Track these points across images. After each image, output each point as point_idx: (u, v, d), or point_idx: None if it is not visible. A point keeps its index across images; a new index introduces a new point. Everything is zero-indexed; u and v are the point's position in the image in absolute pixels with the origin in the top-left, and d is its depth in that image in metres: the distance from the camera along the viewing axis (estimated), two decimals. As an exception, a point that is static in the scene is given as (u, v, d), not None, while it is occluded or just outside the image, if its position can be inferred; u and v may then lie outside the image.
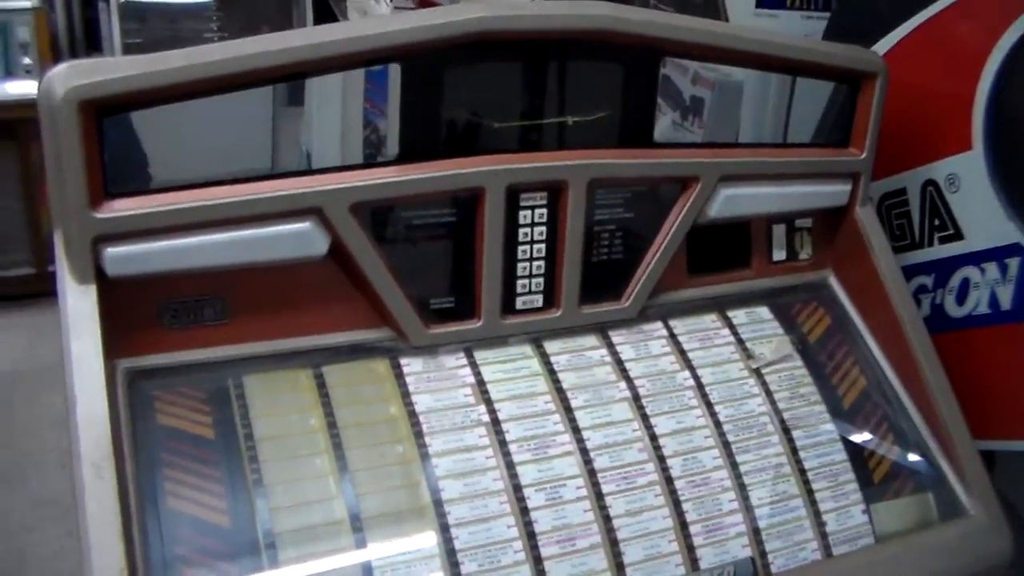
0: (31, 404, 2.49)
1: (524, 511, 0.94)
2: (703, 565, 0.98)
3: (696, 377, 1.07)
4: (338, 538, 0.89)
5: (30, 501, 2.20)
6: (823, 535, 1.04)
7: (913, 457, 1.12)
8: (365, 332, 1.00)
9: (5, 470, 2.26)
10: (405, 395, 0.97)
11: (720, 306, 1.15)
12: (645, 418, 1.03)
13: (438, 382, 0.99)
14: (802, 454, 1.07)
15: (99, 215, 0.87)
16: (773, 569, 1.01)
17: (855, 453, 1.09)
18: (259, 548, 0.87)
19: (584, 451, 0.99)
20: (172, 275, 0.91)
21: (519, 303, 1.03)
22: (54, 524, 2.15)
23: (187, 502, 0.88)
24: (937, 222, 1.31)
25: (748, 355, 1.11)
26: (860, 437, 1.11)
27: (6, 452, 2.33)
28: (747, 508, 1.02)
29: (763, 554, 1.00)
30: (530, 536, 0.93)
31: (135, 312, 0.92)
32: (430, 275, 1.00)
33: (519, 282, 1.02)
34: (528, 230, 1.01)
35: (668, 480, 1.00)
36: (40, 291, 2.84)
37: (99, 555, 0.81)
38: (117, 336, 0.90)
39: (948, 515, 1.09)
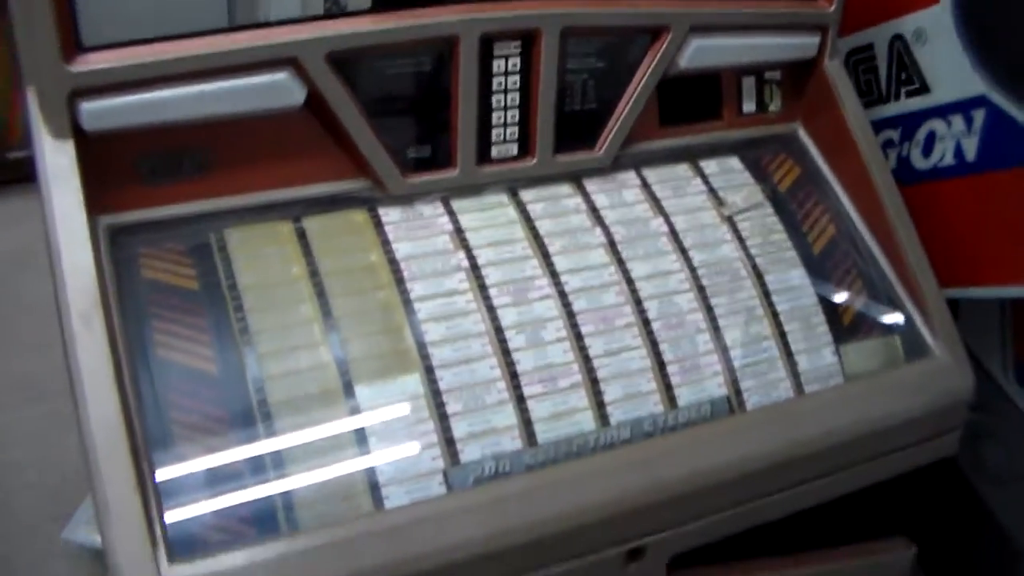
0: (6, 287, 2.48)
1: (506, 352, 0.96)
2: (681, 403, 1.01)
3: (670, 224, 1.09)
4: (325, 381, 0.91)
5: (8, 383, 2.21)
6: (795, 374, 1.07)
7: (881, 301, 1.15)
8: (343, 183, 1.01)
9: (-23, 354, 2.26)
10: (385, 243, 0.98)
11: (691, 156, 1.16)
12: (621, 263, 1.05)
13: (417, 230, 1.00)
14: (774, 298, 1.09)
15: (74, 69, 0.87)
16: (748, 407, 1.03)
17: (825, 297, 1.12)
18: (248, 393, 0.89)
19: (562, 294, 1.01)
20: (150, 129, 0.91)
21: (494, 152, 1.04)
22: (34, 404, 2.16)
23: (175, 351, 0.89)
24: (904, 76, 1.32)
25: (720, 203, 1.13)
26: (830, 282, 1.14)
27: (-24, 337, 2.32)
28: (722, 349, 1.05)
29: (738, 392, 1.03)
30: (512, 376, 0.95)
31: (114, 168, 0.92)
32: (407, 125, 1.01)
33: (494, 131, 1.03)
34: (502, 79, 1.02)
35: (645, 322, 1.02)
36: (14, 177, 2.80)
37: (94, 404, 0.82)
38: (97, 193, 0.90)
39: (914, 356, 1.12)
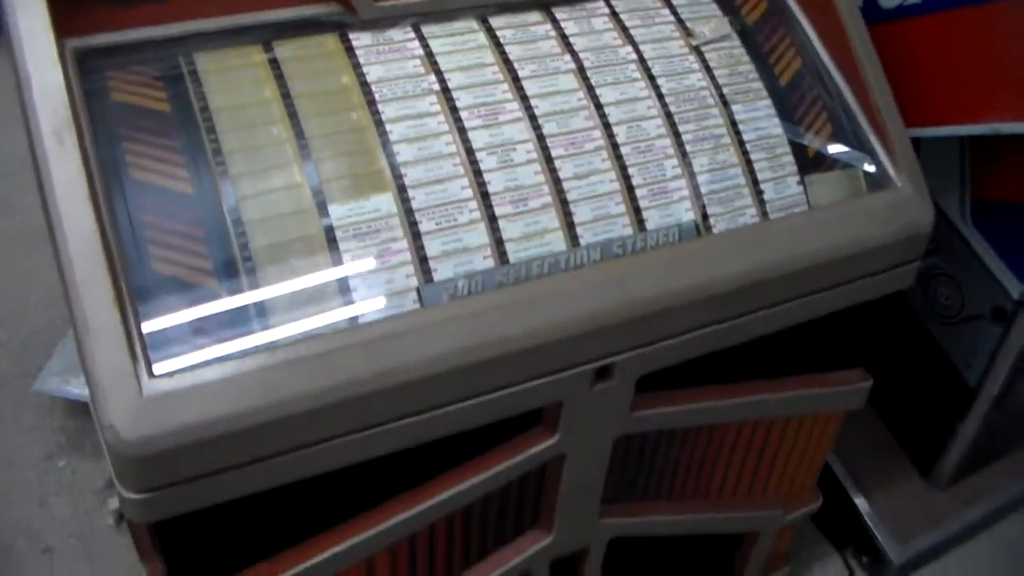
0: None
1: (477, 173, 0.97)
2: (649, 226, 1.03)
3: (638, 52, 1.10)
4: (299, 200, 0.92)
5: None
6: (761, 202, 1.09)
7: (846, 134, 1.17)
8: (314, 7, 1.00)
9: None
10: (356, 67, 0.98)
11: (661, -14, 1.16)
12: (590, 88, 1.05)
13: (388, 54, 1.00)
14: (741, 127, 1.11)
15: None
16: (715, 232, 1.05)
17: (791, 128, 1.13)
18: (223, 213, 0.90)
19: (532, 117, 1.01)
20: None
21: (464, -26, 1.03)
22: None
23: (149, 172, 0.90)
24: (870, -86, 1.32)
25: (688, 33, 1.13)
26: (796, 114, 1.15)
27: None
28: (690, 175, 1.06)
29: (705, 217, 1.06)
30: (484, 196, 0.97)
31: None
32: (375, -55, 0.99)
33: (463, -47, 1.02)
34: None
35: (614, 146, 1.03)
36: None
37: (70, 222, 0.83)
38: (63, 15, 0.89)
39: (876, 189, 1.14)
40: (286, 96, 0.94)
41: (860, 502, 1.72)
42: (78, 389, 1.76)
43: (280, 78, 0.95)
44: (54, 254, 0.85)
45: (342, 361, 0.86)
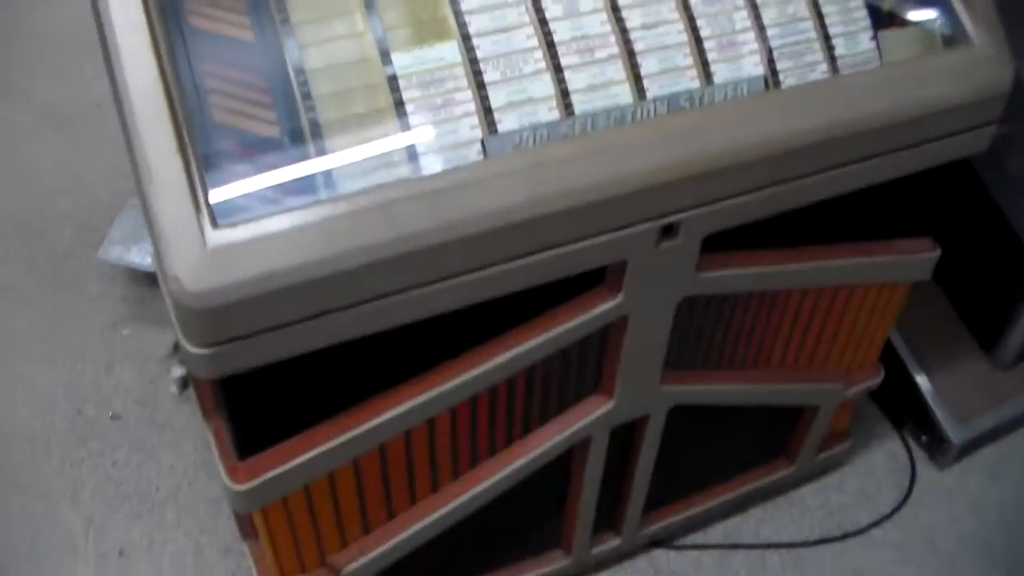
0: (17, 23, 2.46)
1: (543, 22, 0.94)
2: (717, 80, 1.00)
3: (708, -97, 1.05)
4: (362, 49, 0.90)
5: (31, 110, 2.21)
6: (832, 58, 1.05)
7: (921, -11, 1.12)
8: None
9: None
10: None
11: None
12: (659, -64, 1.01)
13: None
14: (812, -22, 1.06)
15: None
16: (784, 87, 1.02)
17: (864, -19, 1.09)
18: (285, 62, 0.88)
19: (600, -35, 0.98)
20: None
21: None
22: (60, 132, 2.17)
23: (210, 20, 0.88)
24: None
25: None
26: (870, -34, 1.10)
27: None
28: (759, 28, 1.03)
29: (774, 72, 1.02)
30: (550, 46, 0.94)
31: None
32: None
33: None
34: None
35: (683, -1, 1.00)
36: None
37: (132, 72, 0.82)
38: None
39: (953, 45, 1.10)
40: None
41: (921, 380, 1.70)
42: (139, 258, 1.77)
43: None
44: (117, 107, 0.84)
45: (405, 212, 0.85)
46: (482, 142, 0.90)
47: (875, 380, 1.48)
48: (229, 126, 0.86)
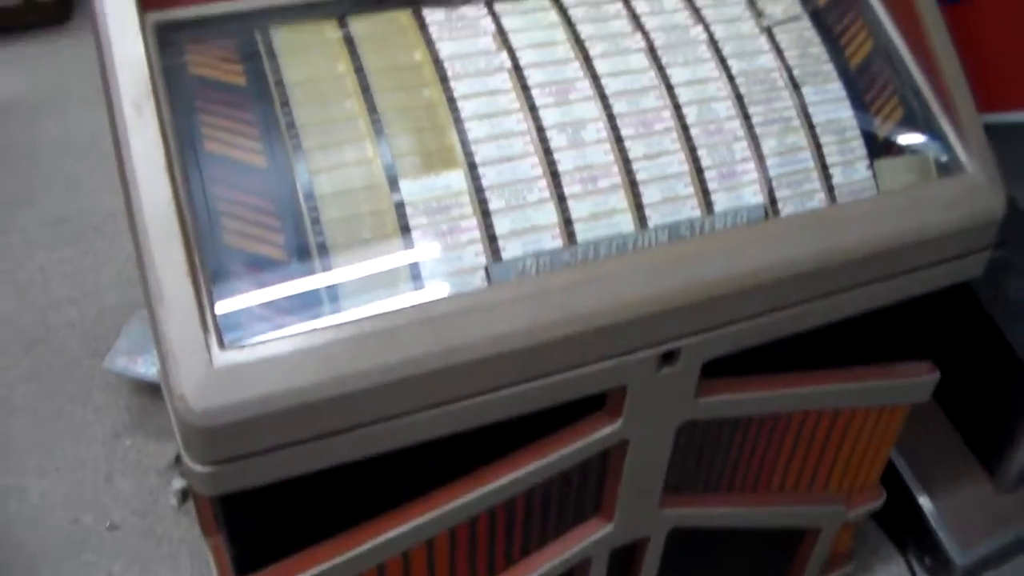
0: (31, 131, 2.50)
1: (547, 151, 0.97)
2: (717, 209, 1.02)
3: (709, 32, 1.09)
4: (371, 176, 0.92)
5: (43, 220, 2.24)
6: (829, 187, 1.08)
7: (916, 118, 1.15)
8: (387, -18, 1.00)
9: (14, 192, 2.29)
10: (429, 43, 0.98)
11: (731, -33, 1.15)
12: (661, 68, 1.05)
13: (460, 30, 1.00)
14: (810, 109, 1.09)
15: None
16: (783, 215, 1.04)
17: (861, 111, 1.12)
18: (295, 187, 0.90)
19: (603, 96, 1.01)
20: None
21: (539, -47, 1.03)
22: (70, 243, 2.19)
23: (224, 145, 0.90)
24: None
25: (759, 14, 1.12)
26: (866, 96, 1.14)
27: (11, 177, 2.35)
28: (759, 157, 1.05)
29: (773, 201, 1.04)
30: (554, 176, 0.96)
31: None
32: (449, -76, 0.99)
33: (537, -70, 1.02)
34: None
35: (684, 127, 1.03)
36: (29, 22, 2.80)
37: (147, 192, 0.83)
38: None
39: (947, 174, 1.12)
40: (359, 71, 0.95)
41: (924, 501, 1.69)
42: (144, 368, 1.78)
43: (354, 53, 0.96)
44: (130, 225, 0.86)
45: (409, 337, 0.86)
46: (486, 269, 0.92)
47: (877, 502, 1.48)
48: (239, 248, 0.87)
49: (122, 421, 1.86)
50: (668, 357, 1.00)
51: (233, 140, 0.90)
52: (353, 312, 0.88)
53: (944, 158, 1.14)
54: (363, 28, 0.97)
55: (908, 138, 1.15)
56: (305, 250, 0.88)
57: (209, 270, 0.84)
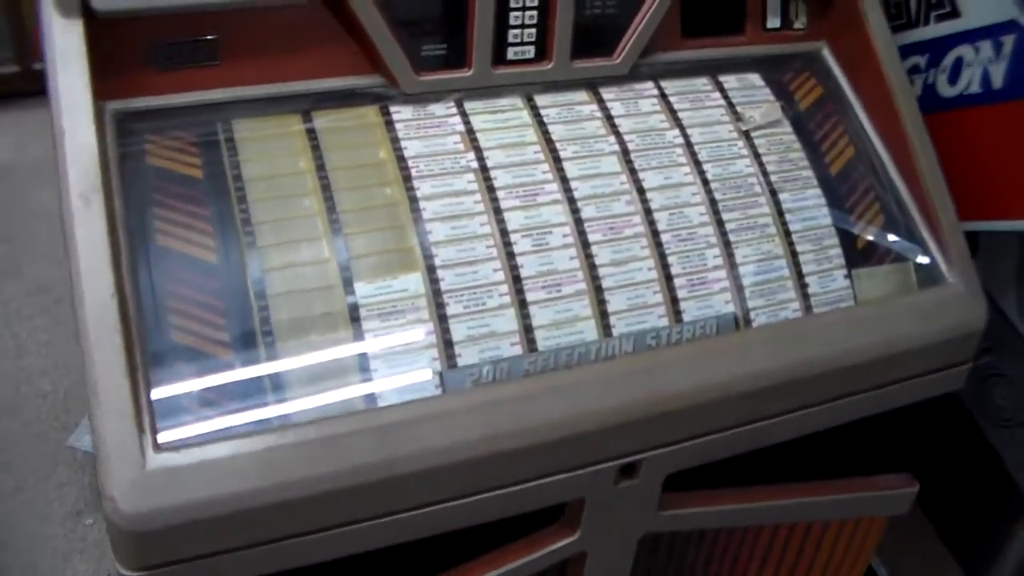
0: (21, 199, 2.49)
1: (510, 256, 0.94)
2: (686, 318, 0.99)
3: (685, 136, 1.07)
4: (325, 276, 0.90)
5: (24, 291, 2.22)
6: (805, 296, 1.05)
7: (897, 227, 1.13)
8: (355, 78, 0.99)
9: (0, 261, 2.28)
10: (394, 140, 0.97)
11: (712, 70, 1.14)
12: (633, 172, 1.03)
13: (428, 129, 0.98)
14: (787, 216, 1.07)
15: (83, -53, 0.84)
16: (755, 325, 1.01)
17: (840, 219, 1.10)
18: (246, 285, 0.88)
19: (571, 200, 0.99)
20: (161, 14, 0.89)
21: (510, 54, 1.01)
22: (48, 312, 2.17)
23: (176, 239, 0.88)
24: (935, 0, 1.28)
25: (738, 118, 1.10)
26: (845, 205, 1.12)
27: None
28: (731, 265, 1.03)
29: (746, 311, 1.02)
30: (515, 280, 0.94)
31: (124, 53, 0.91)
32: (422, 21, 0.98)
33: (511, 32, 1.01)
34: (521, -22, 0.99)
35: (654, 233, 1.00)
36: (24, 90, 2.80)
37: (89, 288, 0.81)
38: (106, 77, 0.88)
39: (928, 285, 1.10)
40: (321, 168, 0.92)
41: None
42: None
43: (316, 149, 0.93)
44: (74, 317, 0.83)
45: (353, 445, 0.83)
46: (440, 375, 0.89)
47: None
48: (184, 346, 0.85)
49: (84, 499, 1.82)
50: (627, 470, 0.97)
51: (186, 234, 0.88)
52: (298, 416, 0.84)
53: (924, 267, 1.12)
54: (328, 123, 0.96)
55: (887, 248, 1.12)
56: (253, 351, 0.86)
57: (149, 368, 0.82)
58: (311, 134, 0.95)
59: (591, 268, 0.96)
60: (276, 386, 0.85)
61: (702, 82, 1.12)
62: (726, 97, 1.11)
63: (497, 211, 0.95)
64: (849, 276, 1.08)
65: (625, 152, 1.03)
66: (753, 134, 1.09)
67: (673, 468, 0.99)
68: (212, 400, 0.83)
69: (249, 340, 0.85)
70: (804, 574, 1.32)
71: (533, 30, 1.01)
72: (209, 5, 0.90)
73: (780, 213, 1.07)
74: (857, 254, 1.09)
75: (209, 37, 0.93)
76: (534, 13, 1.00)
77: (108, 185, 0.84)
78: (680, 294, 0.99)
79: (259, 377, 0.85)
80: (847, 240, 1.09)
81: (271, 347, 0.85)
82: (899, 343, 1.05)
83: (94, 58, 0.86)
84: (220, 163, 0.91)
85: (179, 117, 0.93)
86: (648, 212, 1.01)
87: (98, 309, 0.80)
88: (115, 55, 0.89)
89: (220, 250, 0.88)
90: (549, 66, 1.03)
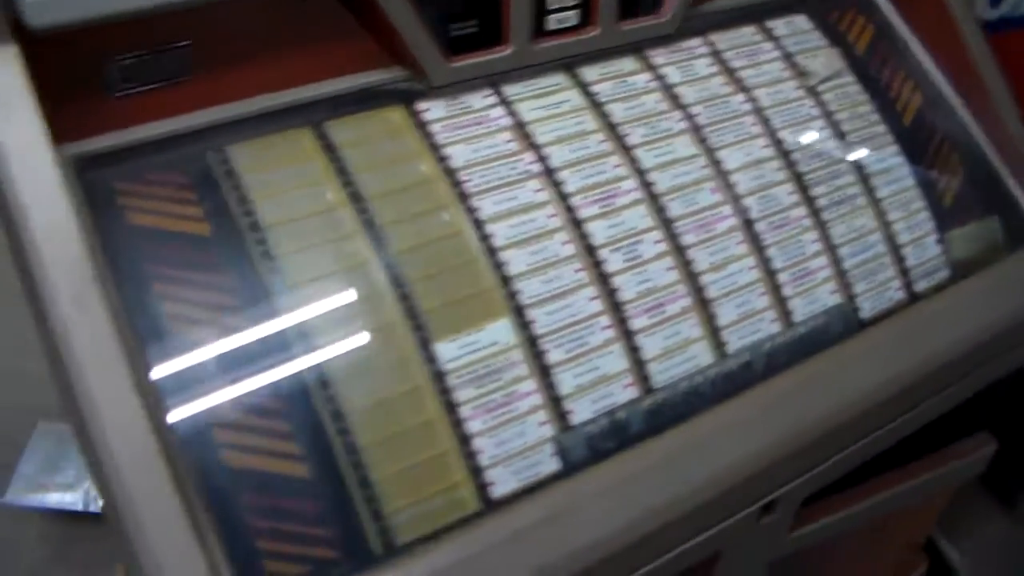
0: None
1: (602, 278, 0.75)
2: (796, 318, 0.83)
3: (752, 100, 0.89)
4: (397, 343, 0.69)
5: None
6: (904, 271, 0.90)
7: (979, 177, 0.99)
8: (371, 74, 0.77)
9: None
10: (434, 148, 0.76)
11: (757, 16, 0.96)
12: (710, 152, 0.84)
13: (469, 128, 0.78)
14: (873, 181, 0.91)
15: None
16: (862, 314, 0.85)
17: (922, 178, 0.94)
18: (307, 388, 0.66)
19: (654, 197, 0.80)
20: (114, 22, 0.65)
21: (551, 23, 0.81)
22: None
23: (201, 329, 0.66)
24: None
25: (801, 73, 0.92)
26: (925, 159, 0.96)
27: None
28: (829, 248, 0.86)
29: (851, 298, 0.86)
30: (615, 308, 0.75)
31: (74, 79, 0.67)
32: (447, -6, 0.77)
33: (550, -3, 0.80)
34: (557, -71, 0.79)
35: (747, 223, 0.83)
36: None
37: (110, 411, 0.59)
38: (54, 115, 0.64)
39: (1017, 236, 0.96)
40: (356, 199, 0.71)
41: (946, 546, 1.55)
42: (58, 495, 1.47)
43: (343, 173, 0.72)
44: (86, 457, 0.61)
45: (480, 566, 0.63)
46: (556, 441, 0.72)
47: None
48: (244, 470, 0.63)
49: (37, 555, 1.54)
50: (767, 508, 0.80)
51: (207, 316, 0.66)
52: (405, 530, 0.64)
53: (1011, 220, 0.98)
54: (347, 135, 0.74)
55: (973, 202, 0.98)
56: (330, 463, 0.64)
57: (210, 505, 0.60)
58: (330, 152, 0.73)
59: (691, 278, 0.78)
60: (370, 500, 0.64)
61: (750, 32, 0.94)
62: (780, 47, 0.94)
63: (576, 223, 0.76)
64: (941, 240, 0.92)
65: (696, 129, 0.85)
66: (819, 88, 0.92)
67: (808, 492, 0.84)
68: (295, 529, 0.63)
69: (323, 445, 0.64)
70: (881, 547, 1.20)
71: (575, -8, 0.81)
72: (176, 4, 0.66)
73: (865, 179, 0.90)
74: (945, 213, 0.94)
75: (177, 45, 0.69)
76: (575, -29, 0.80)
77: (102, 280, 0.61)
78: (785, 291, 0.83)
79: (348, 492, 0.64)
80: (933, 200, 0.94)
81: (352, 446, 0.64)
82: (1008, 317, 0.92)
83: (43, 95, 0.62)
84: (227, 210, 0.69)
85: (157, 154, 0.70)
86: (736, 199, 0.83)
87: (129, 444, 0.58)
88: (63, 84, 0.66)
89: (258, 336, 0.66)
90: (596, 32, 0.83)
